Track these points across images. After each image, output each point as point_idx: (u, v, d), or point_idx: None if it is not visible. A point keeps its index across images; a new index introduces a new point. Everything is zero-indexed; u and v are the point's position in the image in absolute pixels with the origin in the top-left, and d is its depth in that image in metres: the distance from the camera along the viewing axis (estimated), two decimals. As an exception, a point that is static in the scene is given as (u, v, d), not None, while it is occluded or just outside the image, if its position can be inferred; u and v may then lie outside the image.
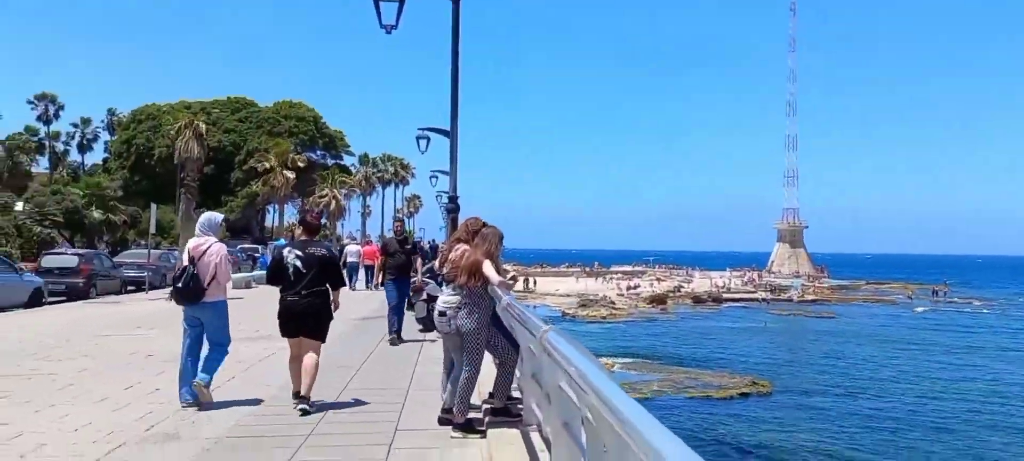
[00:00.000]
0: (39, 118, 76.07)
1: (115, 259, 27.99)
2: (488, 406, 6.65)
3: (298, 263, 7.24)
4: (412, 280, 12.06)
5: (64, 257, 24.15)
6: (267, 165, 38.82)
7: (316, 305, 7.26)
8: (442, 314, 6.39)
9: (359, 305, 18.64)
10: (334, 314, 7.54)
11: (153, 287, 26.42)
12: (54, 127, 78.90)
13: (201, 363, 7.41)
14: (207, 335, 7.50)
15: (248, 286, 27.82)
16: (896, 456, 19.93)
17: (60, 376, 8.99)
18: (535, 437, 5.78)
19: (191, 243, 7.55)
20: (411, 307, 12.99)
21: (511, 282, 6.30)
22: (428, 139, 30.03)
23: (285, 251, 7.44)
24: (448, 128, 30.43)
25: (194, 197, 22.49)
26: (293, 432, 6.35)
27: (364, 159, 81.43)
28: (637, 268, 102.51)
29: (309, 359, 7.23)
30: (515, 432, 5.96)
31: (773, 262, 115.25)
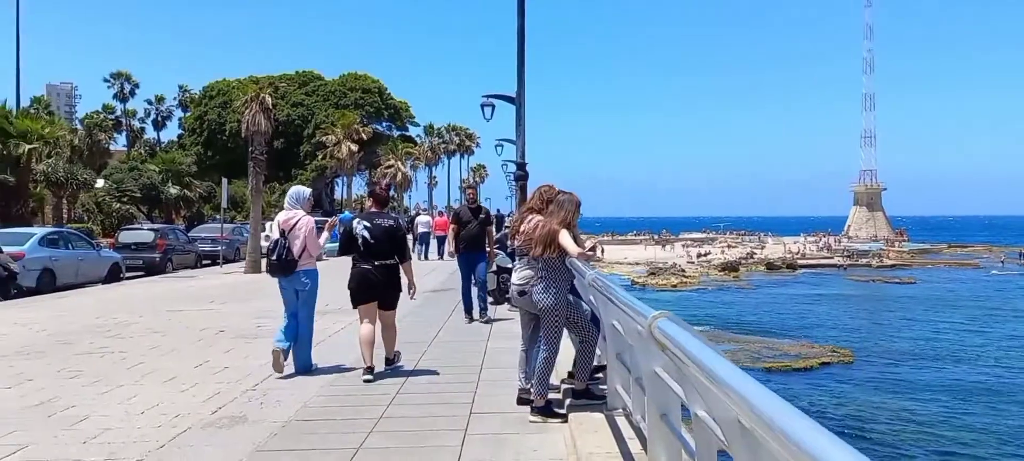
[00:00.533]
0: (115, 96, 78.27)
1: (190, 234, 28.48)
2: (569, 386, 6.21)
3: (366, 234, 7.41)
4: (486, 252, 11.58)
5: (141, 232, 24.64)
6: (332, 138, 38.94)
7: (387, 276, 7.45)
8: (522, 293, 5.95)
9: (429, 276, 18.43)
10: (408, 292, 7.76)
11: (227, 261, 26.81)
12: (130, 105, 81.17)
13: (296, 343, 7.72)
14: (300, 303, 7.75)
15: (320, 258, 27.98)
16: (991, 426, 18.83)
17: (130, 354, 8.90)
18: (621, 422, 5.32)
19: (281, 217, 7.80)
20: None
21: (591, 253, 5.77)
22: (493, 106, 29.56)
23: (355, 222, 7.64)
24: (514, 95, 29.96)
25: (262, 171, 22.51)
26: (363, 415, 6.03)
27: (429, 129, 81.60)
28: (707, 235, 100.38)
29: (388, 330, 7.69)
30: (599, 417, 5.51)
31: (850, 226, 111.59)
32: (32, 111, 56.82)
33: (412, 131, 79.28)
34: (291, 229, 7.60)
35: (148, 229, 25.21)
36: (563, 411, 5.79)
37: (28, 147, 33.32)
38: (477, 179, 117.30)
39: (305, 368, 7.65)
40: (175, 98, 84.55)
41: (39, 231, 18.88)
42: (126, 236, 24.19)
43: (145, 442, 5.33)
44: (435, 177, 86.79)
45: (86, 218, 46.18)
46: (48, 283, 17.67)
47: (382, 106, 74.50)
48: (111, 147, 71.32)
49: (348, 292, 7.64)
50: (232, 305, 14.04)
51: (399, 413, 6.11)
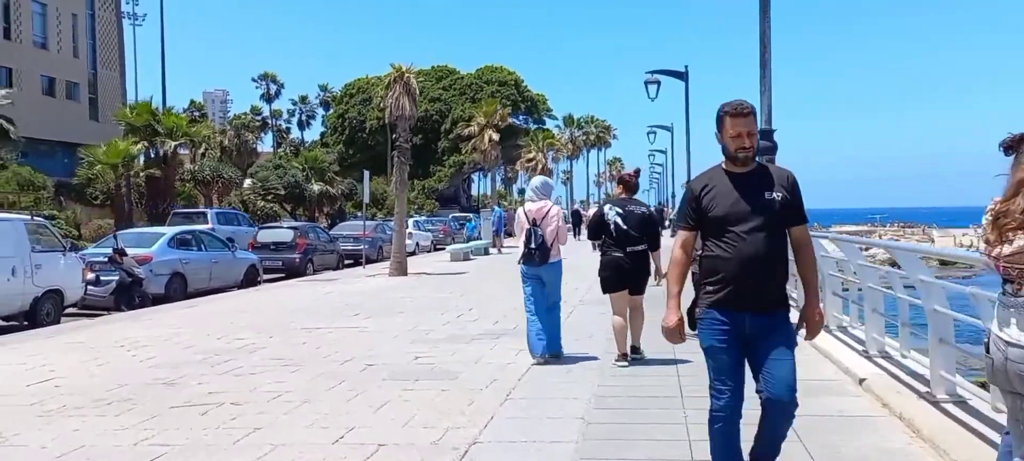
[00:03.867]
0: (262, 97, 79.83)
1: (331, 232, 26.54)
2: None
3: (619, 220, 7.38)
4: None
5: (279, 231, 22.73)
6: (474, 128, 36.66)
7: (638, 262, 7.43)
8: None
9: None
10: (655, 278, 7.48)
11: (370, 261, 24.63)
12: (275, 105, 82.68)
13: (544, 336, 7.59)
14: (547, 294, 7.69)
15: (466, 258, 25.41)
16: None
17: (245, 408, 6.12)
18: None
19: (532, 207, 7.70)
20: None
21: None
22: (658, 84, 26.15)
23: (606, 208, 7.63)
24: (681, 70, 26.23)
25: (407, 160, 20.09)
26: None
27: (569, 120, 78.42)
28: (864, 228, 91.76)
29: (636, 313, 7.53)
30: None
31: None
32: (185, 113, 58.02)
33: (548, 124, 76.53)
34: (543, 218, 7.59)
35: (287, 227, 23.29)
36: None
37: (174, 144, 32.64)
38: (613, 173, 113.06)
39: (556, 352, 7.70)
40: (317, 97, 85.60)
41: (169, 231, 16.99)
42: (264, 235, 22.30)
43: None
44: (568, 172, 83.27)
45: (232, 217, 46.04)
46: (178, 289, 15.71)
47: (519, 99, 72.13)
48: (258, 147, 72.63)
49: (599, 280, 7.62)
50: (379, 320, 11.30)
51: None
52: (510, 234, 37.80)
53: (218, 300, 14.93)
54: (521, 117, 73.13)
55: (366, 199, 24.24)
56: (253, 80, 79.48)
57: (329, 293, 15.74)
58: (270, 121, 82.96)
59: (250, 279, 18.22)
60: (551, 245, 7.51)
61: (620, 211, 7.40)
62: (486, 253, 28.59)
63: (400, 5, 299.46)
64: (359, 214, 46.12)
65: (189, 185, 43.24)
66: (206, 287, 16.54)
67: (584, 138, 78.19)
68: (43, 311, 12.37)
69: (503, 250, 29.80)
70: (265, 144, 79.59)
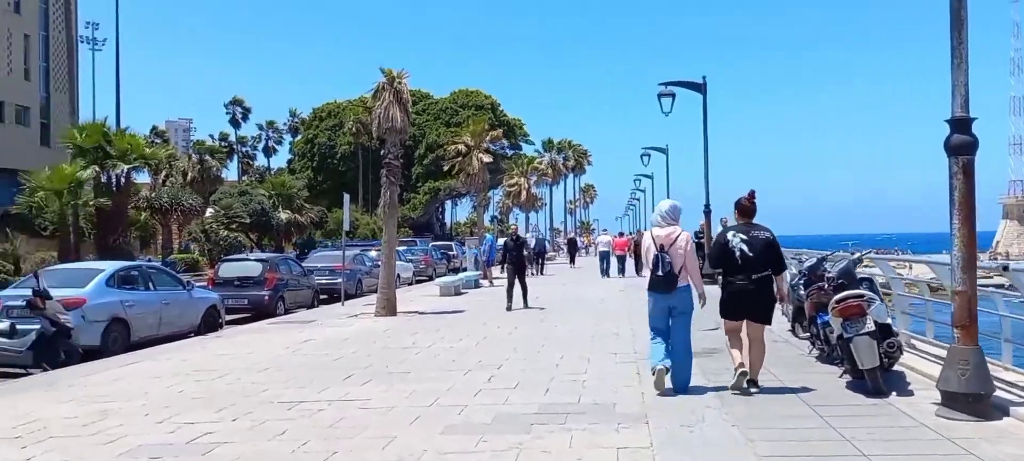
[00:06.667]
0: (230, 122, 76.53)
1: (304, 264, 23.50)
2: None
3: (744, 247, 7.28)
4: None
5: (246, 264, 19.62)
6: (462, 147, 33.97)
7: (764, 290, 7.31)
8: None
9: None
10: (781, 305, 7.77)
11: (348, 296, 21.65)
12: (242, 131, 79.36)
13: (671, 359, 7.34)
14: (675, 324, 7.40)
15: (457, 292, 22.56)
16: None
17: None
18: None
19: (660, 233, 7.38)
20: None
21: None
22: (673, 96, 23.64)
23: (729, 235, 7.46)
24: (699, 82, 23.76)
25: (397, 180, 17.27)
26: None
27: (548, 145, 75.99)
28: (837, 254, 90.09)
29: (757, 345, 7.39)
30: None
31: (999, 243, 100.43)
32: (146, 138, 54.56)
33: (525, 149, 74.11)
34: (671, 244, 7.28)
35: (255, 260, 20.19)
36: None
37: (126, 167, 29.40)
38: (586, 200, 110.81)
39: (684, 387, 7.34)
40: (286, 123, 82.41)
41: (108, 267, 13.86)
42: (227, 269, 19.14)
43: None
44: (541, 198, 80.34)
45: (193, 247, 42.69)
46: (119, 339, 12.65)
47: (496, 123, 69.60)
48: (223, 175, 69.17)
49: (720, 306, 7.59)
50: (383, 387, 8.43)
51: None
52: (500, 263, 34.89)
53: (168, 354, 11.89)
54: (497, 143, 70.62)
55: (346, 226, 21.33)
56: (225, 107, 75.96)
57: (307, 341, 12.79)
58: (236, 147, 79.60)
59: (210, 323, 15.19)
60: (679, 272, 7.25)
61: (744, 237, 7.37)
62: (477, 286, 25.76)
63: (372, 28, 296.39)
64: (327, 242, 42.99)
65: (145, 213, 39.95)
66: (155, 335, 13.51)
67: (564, 163, 75.80)
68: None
69: (495, 282, 26.97)
70: (230, 172, 76.22)
